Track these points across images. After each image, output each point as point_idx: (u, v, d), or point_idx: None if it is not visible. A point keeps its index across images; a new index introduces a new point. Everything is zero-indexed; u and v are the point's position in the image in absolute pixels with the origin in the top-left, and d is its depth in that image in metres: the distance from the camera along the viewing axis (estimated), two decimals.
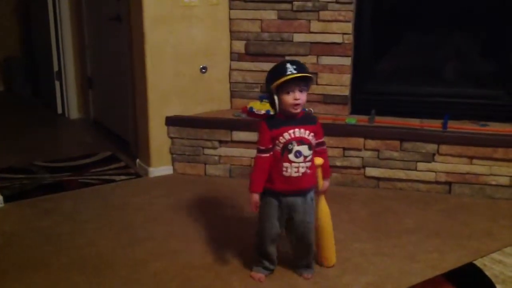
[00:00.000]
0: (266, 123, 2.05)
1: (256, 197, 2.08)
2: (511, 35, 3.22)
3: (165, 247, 2.50)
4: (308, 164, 2.07)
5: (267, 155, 2.05)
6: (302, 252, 2.21)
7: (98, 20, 4.31)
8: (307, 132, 2.05)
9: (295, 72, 1.95)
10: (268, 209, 2.12)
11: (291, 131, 2.02)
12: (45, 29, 4.89)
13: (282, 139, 2.02)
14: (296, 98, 1.98)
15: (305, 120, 2.07)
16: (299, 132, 2.03)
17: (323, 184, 2.24)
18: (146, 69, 3.27)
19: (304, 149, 2.03)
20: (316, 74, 3.38)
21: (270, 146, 2.04)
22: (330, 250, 2.30)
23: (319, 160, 2.16)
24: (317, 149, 2.13)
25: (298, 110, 2.02)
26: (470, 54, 3.44)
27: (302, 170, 2.05)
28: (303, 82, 1.99)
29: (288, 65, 1.97)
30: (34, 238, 2.59)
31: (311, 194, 2.15)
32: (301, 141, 2.03)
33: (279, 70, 1.99)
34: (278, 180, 2.07)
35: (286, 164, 2.04)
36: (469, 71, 3.44)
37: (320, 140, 2.14)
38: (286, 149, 2.02)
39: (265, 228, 2.15)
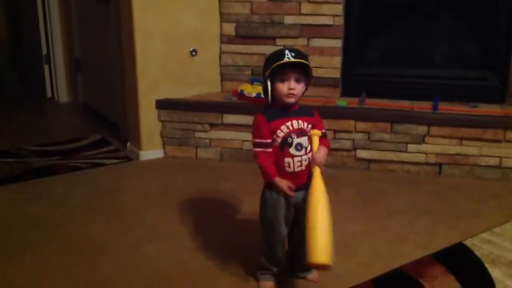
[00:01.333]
0: (264, 115, 1.88)
1: (281, 181, 1.86)
2: (499, 17, 3.22)
3: (156, 231, 2.50)
4: (310, 155, 1.89)
5: (270, 150, 1.87)
6: (301, 254, 1.96)
7: (86, 2, 4.26)
8: (305, 123, 1.89)
9: (292, 58, 1.80)
10: (276, 208, 1.93)
11: (288, 123, 1.87)
12: (33, 11, 4.83)
13: (280, 133, 1.86)
14: (291, 87, 1.83)
15: (302, 112, 1.92)
16: (297, 123, 1.88)
17: (318, 149, 1.87)
18: (135, 52, 3.24)
19: (304, 141, 1.88)
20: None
21: (271, 140, 1.87)
22: (323, 243, 1.82)
23: (316, 132, 1.89)
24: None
25: (292, 101, 1.86)
26: (460, 36, 3.44)
27: (305, 163, 1.89)
28: (301, 72, 1.84)
29: (287, 52, 1.82)
30: (24, 223, 2.58)
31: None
32: (300, 132, 1.88)
33: (276, 56, 1.84)
34: (282, 176, 1.89)
35: (288, 160, 1.88)
36: (459, 53, 3.44)
37: (321, 131, 1.93)
38: (285, 143, 1.86)
39: (274, 230, 1.95)
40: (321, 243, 1.79)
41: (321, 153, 1.87)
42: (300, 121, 1.89)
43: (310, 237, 1.81)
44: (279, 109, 1.90)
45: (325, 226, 1.83)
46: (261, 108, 1.95)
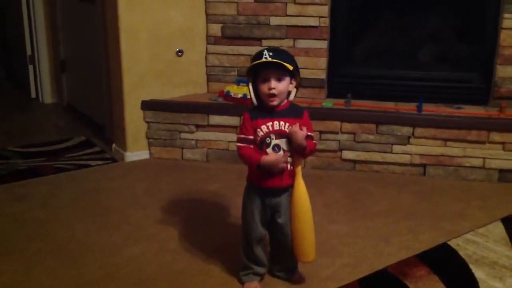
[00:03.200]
0: (249, 113, 1.91)
1: (270, 156, 1.86)
2: (484, 18, 3.25)
3: (141, 232, 2.49)
4: (289, 159, 1.90)
5: (252, 146, 1.89)
6: (282, 256, 2.06)
7: (71, 1, 4.23)
8: (287, 124, 1.88)
9: (269, 58, 1.79)
10: (252, 207, 1.97)
11: (269, 124, 1.87)
12: (17, 11, 4.79)
13: (259, 132, 1.88)
14: (271, 87, 1.82)
15: (290, 112, 1.91)
16: (279, 124, 1.87)
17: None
18: (120, 52, 3.22)
19: (283, 143, 1.88)
20: None
21: (253, 137, 1.89)
22: (308, 242, 1.98)
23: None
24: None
25: (275, 102, 1.86)
26: (445, 37, 3.47)
27: (281, 165, 1.88)
28: (282, 70, 1.83)
29: (265, 52, 1.82)
30: (8, 224, 2.56)
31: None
32: (280, 134, 1.87)
33: (255, 56, 1.85)
34: (258, 175, 1.92)
35: None
36: (444, 54, 3.47)
37: (308, 133, 1.90)
38: (264, 142, 1.88)
39: (250, 228, 1.99)
40: (310, 244, 1.98)
41: (300, 131, 1.86)
42: (282, 123, 1.89)
43: (300, 240, 1.96)
44: (265, 109, 1.90)
45: (311, 228, 1.97)
46: (249, 107, 1.97)
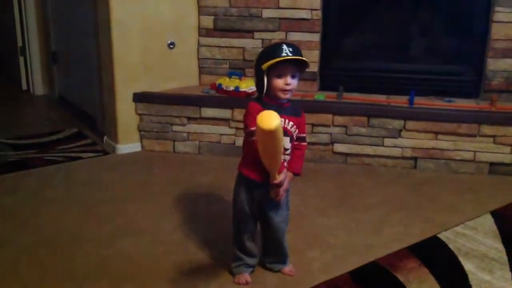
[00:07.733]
0: (258, 103, 1.86)
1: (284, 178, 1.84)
2: (475, 11, 3.25)
3: (133, 224, 2.49)
4: (287, 157, 1.91)
5: None
6: (272, 248, 2.08)
7: None
8: (291, 123, 1.90)
9: (290, 55, 1.80)
10: (241, 198, 1.97)
11: None
12: (8, 1, 4.75)
13: None
14: (287, 83, 1.84)
15: (292, 110, 1.92)
16: (284, 122, 1.85)
17: (279, 176, 1.83)
18: (112, 44, 3.21)
19: (286, 141, 1.86)
20: None
21: None
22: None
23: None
24: (296, 143, 1.95)
25: (287, 96, 1.88)
26: (436, 31, 3.48)
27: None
28: (297, 67, 1.85)
29: (284, 47, 1.81)
30: None
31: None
32: (284, 132, 1.81)
33: (274, 50, 1.83)
34: (253, 168, 1.89)
35: None
36: (435, 47, 3.48)
37: (301, 135, 1.97)
38: None
39: (240, 219, 2.01)
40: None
41: (282, 179, 1.84)
42: (286, 120, 1.89)
43: None
44: (272, 104, 1.87)
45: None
46: (251, 98, 1.95)
